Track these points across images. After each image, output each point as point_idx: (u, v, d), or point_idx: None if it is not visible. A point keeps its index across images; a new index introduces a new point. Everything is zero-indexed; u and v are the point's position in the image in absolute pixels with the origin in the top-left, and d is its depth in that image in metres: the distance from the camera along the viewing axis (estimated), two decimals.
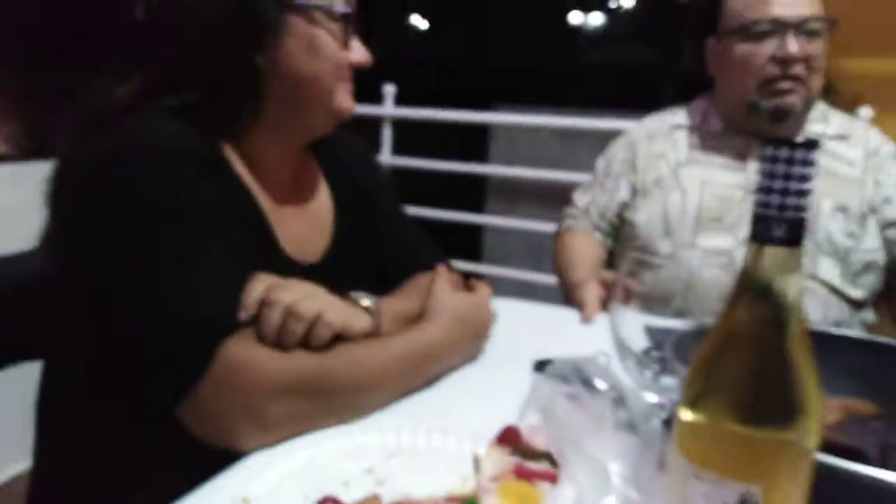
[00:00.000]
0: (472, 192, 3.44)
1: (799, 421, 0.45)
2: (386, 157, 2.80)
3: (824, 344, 0.80)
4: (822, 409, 0.46)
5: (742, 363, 0.46)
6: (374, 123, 2.78)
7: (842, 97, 4.76)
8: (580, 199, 1.50)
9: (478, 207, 3.26)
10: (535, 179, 2.77)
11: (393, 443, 0.67)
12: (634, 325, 0.67)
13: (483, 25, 4.51)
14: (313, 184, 0.96)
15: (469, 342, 0.88)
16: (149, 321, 0.67)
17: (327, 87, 0.83)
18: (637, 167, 1.39)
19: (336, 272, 0.87)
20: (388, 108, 2.73)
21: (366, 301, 0.78)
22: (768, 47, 1.23)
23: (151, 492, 0.58)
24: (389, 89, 2.71)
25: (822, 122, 1.33)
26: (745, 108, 1.28)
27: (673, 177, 1.34)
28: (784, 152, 0.45)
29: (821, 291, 1.21)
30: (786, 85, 1.24)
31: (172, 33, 0.79)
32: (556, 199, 1.56)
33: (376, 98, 2.73)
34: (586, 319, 1.08)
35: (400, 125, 2.81)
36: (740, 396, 0.46)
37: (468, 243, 3.38)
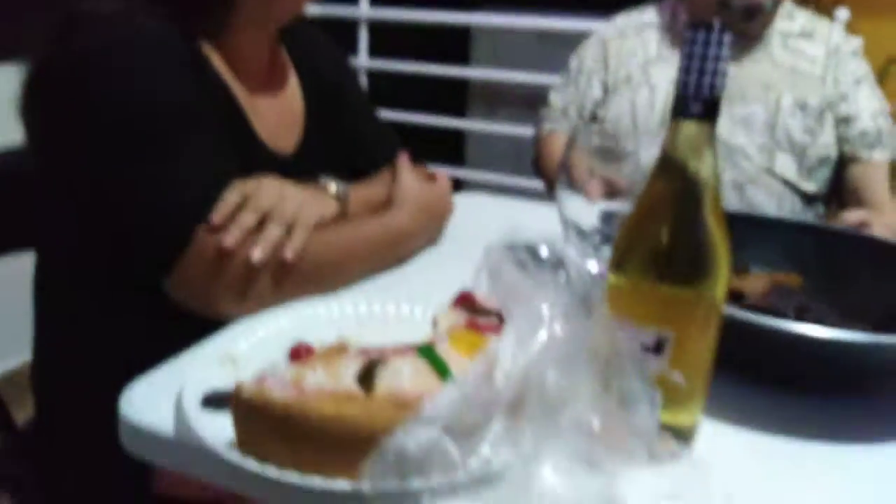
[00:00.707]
0: (454, 96, 3.42)
1: (705, 279, 0.52)
2: (363, 59, 2.78)
3: (761, 225, 0.87)
4: (729, 269, 0.53)
5: (657, 229, 0.52)
6: (349, 25, 2.74)
7: None
8: (556, 99, 1.53)
9: (460, 111, 3.26)
10: (518, 83, 2.77)
11: (364, 311, 0.74)
12: (586, 207, 0.73)
13: None
14: (285, 76, 0.98)
15: (432, 227, 0.95)
16: (134, 206, 0.72)
17: None
18: (608, 65, 1.42)
19: (309, 163, 0.92)
20: (364, 9, 2.70)
21: (333, 187, 0.84)
22: None
23: (146, 367, 0.64)
24: None
25: (788, 19, 1.35)
26: (716, 6, 1.31)
27: (642, 74, 1.37)
28: (701, 35, 0.50)
29: (776, 186, 1.28)
30: None
31: None
32: (539, 102, 1.59)
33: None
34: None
35: (378, 27, 2.78)
36: (655, 257, 0.52)
37: (451, 148, 3.39)
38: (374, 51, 2.80)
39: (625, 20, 1.46)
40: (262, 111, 0.90)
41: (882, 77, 5.13)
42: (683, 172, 0.52)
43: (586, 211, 0.72)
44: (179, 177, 0.73)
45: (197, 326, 0.69)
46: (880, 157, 1.26)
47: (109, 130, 0.72)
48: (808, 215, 1.32)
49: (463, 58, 3.29)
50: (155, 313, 0.76)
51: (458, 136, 3.34)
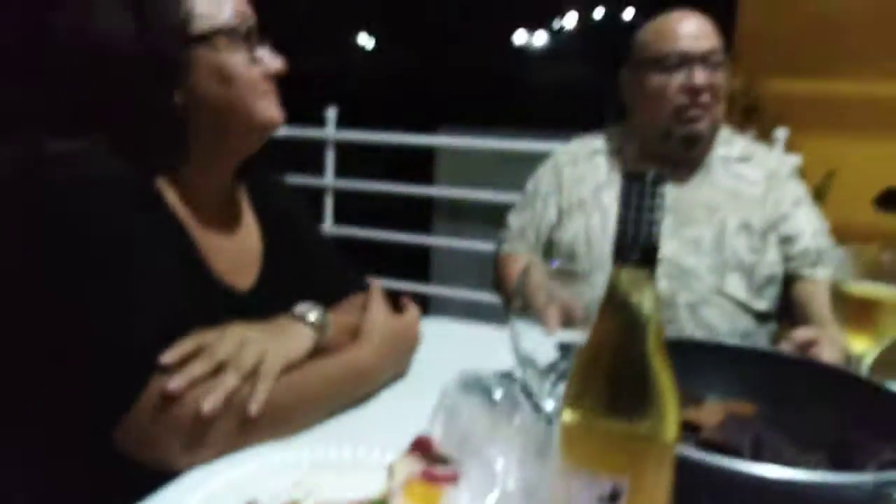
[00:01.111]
0: (420, 213, 3.49)
1: (656, 417, 0.52)
2: (329, 179, 2.85)
3: (715, 352, 0.88)
4: (678, 406, 0.53)
5: (607, 368, 0.53)
6: (316, 146, 2.83)
7: (765, 116, 5.00)
8: (514, 220, 1.57)
9: (425, 228, 3.32)
10: (482, 200, 2.84)
11: (321, 456, 0.72)
12: (542, 339, 0.73)
13: (430, 46, 4.58)
14: (241, 212, 0.99)
15: (398, 361, 0.94)
16: (81, 347, 0.70)
17: (247, 107, 0.85)
18: (563, 189, 1.47)
19: (268, 299, 0.92)
20: (331, 131, 2.79)
21: (312, 316, 0.84)
22: (678, 79, 1.33)
23: None
24: (331, 112, 2.77)
25: (727, 145, 1.43)
26: (659, 135, 1.38)
27: (594, 198, 1.42)
28: (636, 186, 0.52)
29: (728, 305, 1.30)
30: (695, 113, 1.34)
31: (84, 78, 0.80)
32: (503, 219, 1.63)
33: (319, 121, 2.79)
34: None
35: (345, 146, 2.86)
36: (605, 398, 0.52)
37: (416, 264, 3.43)
38: (342, 171, 2.87)
39: (577, 146, 1.53)
40: (218, 248, 0.91)
41: (822, 189, 5.37)
42: (626, 312, 0.53)
43: (543, 343, 0.72)
44: (130, 319, 0.72)
45: (145, 478, 0.66)
46: (822, 274, 1.29)
47: (59, 269, 0.71)
48: (760, 334, 1.34)
49: (428, 174, 3.40)
50: (101, 462, 0.73)
51: (422, 252, 3.39)
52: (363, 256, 3.26)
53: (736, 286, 1.31)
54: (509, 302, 1.46)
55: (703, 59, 1.32)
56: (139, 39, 0.79)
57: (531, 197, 1.54)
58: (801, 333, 1.10)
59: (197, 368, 0.71)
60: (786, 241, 1.34)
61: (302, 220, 1.09)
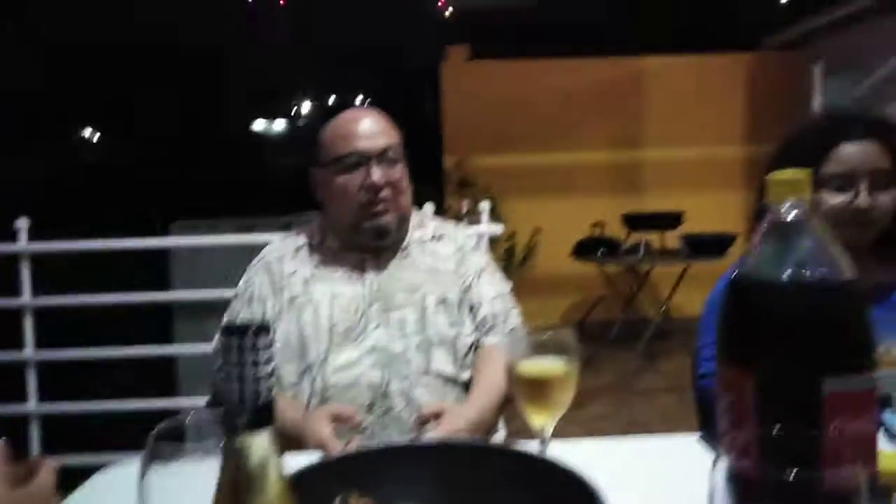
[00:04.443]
0: (157, 319, 3.13)
1: None
2: (26, 298, 2.43)
3: (389, 456, 0.81)
4: None
5: None
6: (10, 260, 2.42)
7: (476, 188, 5.39)
8: None
9: (165, 336, 2.98)
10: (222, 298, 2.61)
11: None
12: None
13: (159, 140, 4.28)
14: None
15: None
16: None
17: None
18: (276, 287, 1.37)
19: None
20: (23, 244, 2.40)
21: None
22: (357, 177, 1.32)
23: None
24: (22, 224, 2.39)
25: (421, 227, 1.44)
26: (350, 229, 1.34)
27: (304, 293, 1.34)
28: (235, 341, 0.43)
29: (437, 383, 1.28)
30: (379, 208, 1.33)
31: None
32: None
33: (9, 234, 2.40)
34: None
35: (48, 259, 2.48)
36: None
37: (160, 376, 3.03)
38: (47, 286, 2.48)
39: (282, 243, 1.45)
40: None
41: (532, 246, 5.89)
42: (245, 466, 0.43)
43: None
44: None
45: None
46: (492, 340, 1.33)
47: None
48: None
49: (162, 277, 3.07)
50: None
51: (165, 363, 3.02)
52: (87, 379, 2.83)
53: (442, 362, 1.30)
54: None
55: (380, 156, 1.32)
56: None
57: (245, 299, 1.40)
58: (427, 408, 1.15)
59: None
60: (472, 309, 1.37)
61: None
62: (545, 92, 5.60)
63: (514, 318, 1.40)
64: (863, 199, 1.25)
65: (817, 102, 5.11)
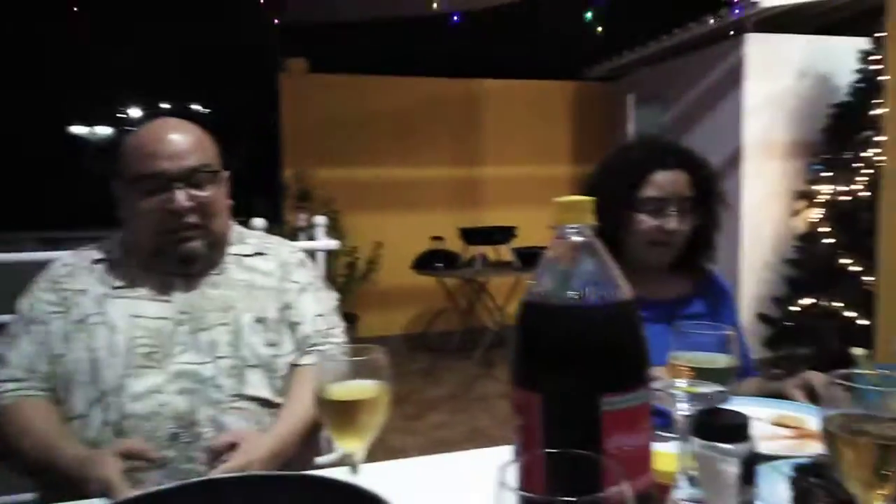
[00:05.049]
0: None
1: None
2: None
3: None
4: None
5: None
6: None
7: (315, 201, 5.30)
8: (14, 355, 1.22)
9: None
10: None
11: None
12: None
13: None
14: None
15: None
16: None
17: None
18: (62, 307, 1.21)
19: None
20: None
21: None
22: (160, 200, 1.20)
23: None
24: None
25: (240, 244, 1.35)
26: (153, 253, 1.23)
27: (98, 313, 1.20)
28: None
29: (252, 407, 1.20)
30: (185, 234, 1.21)
31: None
32: None
33: None
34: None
35: None
36: None
37: None
38: None
39: (74, 257, 1.29)
40: None
41: (374, 260, 5.89)
42: None
43: None
44: None
45: None
46: (308, 360, 1.27)
47: None
48: None
49: None
50: None
51: None
52: None
53: (258, 385, 1.22)
54: (40, 463, 1.10)
55: (186, 178, 1.21)
56: None
57: (29, 321, 1.22)
58: (221, 438, 1.08)
59: None
60: (293, 327, 1.30)
61: None
62: (386, 108, 5.63)
63: (338, 337, 1.35)
64: (672, 222, 1.37)
65: (630, 129, 5.58)
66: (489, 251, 5.14)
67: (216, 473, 1.01)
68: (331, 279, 3.80)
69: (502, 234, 5.10)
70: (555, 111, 6.08)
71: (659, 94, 5.25)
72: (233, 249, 1.33)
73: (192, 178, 1.21)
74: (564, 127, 6.10)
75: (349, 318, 4.82)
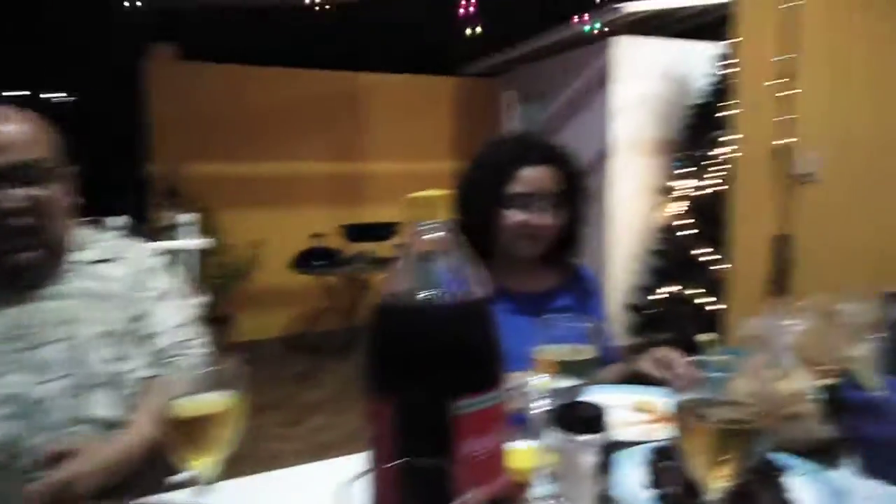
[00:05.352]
0: None
1: None
2: None
3: None
4: None
5: None
6: None
7: (183, 198, 5.01)
8: None
9: None
10: None
11: None
12: None
13: None
14: None
15: None
16: None
17: None
18: None
19: None
20: None
21: None
22: None
23: None
24: None
25: (83, 248, 1.22)
26: None
27: None
28: None
29: (95, 431, 1.08)
30: (14, 242, 1.09)
31: None
32: None
33: None
34: None
35: None
36: None
37: None
38: None
39: None
40: None
41: (252, 259, 5.64)
42: None
43: None
44: None
45: None
46: (161, 373, 1.16)
47: None
48: None
49: None
50: None
51: None
52: None
53: (103, 405, 1.10)
54: None
55: (13, 174, 1.07)
56: None
57: None
58: (55, 446, 0.98)
59: None
60: (147, 339, 1.19)
61: None
62: (262, 100, 5.41)
63: (198, 347, 1.25)
64: (538, 216, 1.39)
65: (511, 125, 5.70)
66: (372, 248, 5.08)
67: (36, 487, 0.91)
68: (203, 280, 3.60)
69: (385, 231, 5.06)
70: (436, 106, 6.10)
71: (538, 91, 5.40)
72: (74, 256, 1.20)
73: (20, 174, 1.07)
74: (445, 122, 6.13)
75: (222, 320, 4.59)
